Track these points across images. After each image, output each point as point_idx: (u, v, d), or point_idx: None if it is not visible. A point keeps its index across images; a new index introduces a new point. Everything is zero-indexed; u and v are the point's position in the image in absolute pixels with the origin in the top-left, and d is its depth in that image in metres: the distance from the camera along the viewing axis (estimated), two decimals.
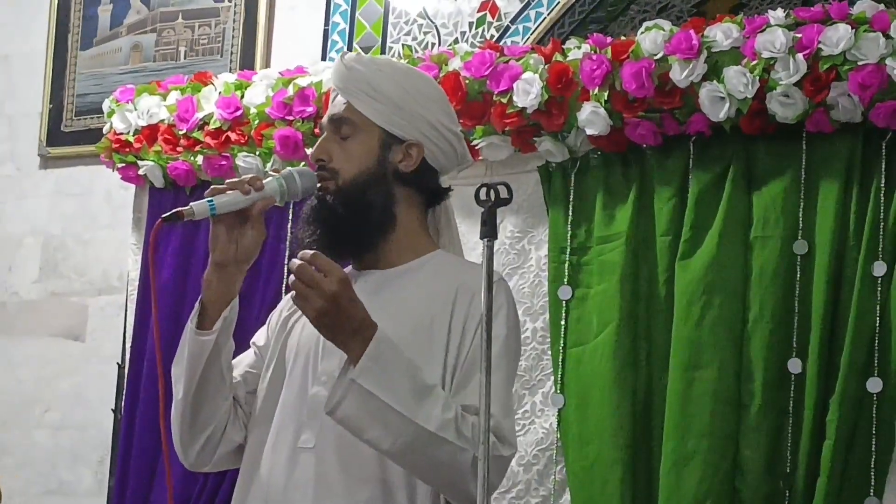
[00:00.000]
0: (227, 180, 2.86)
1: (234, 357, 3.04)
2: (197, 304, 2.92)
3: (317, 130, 3.62)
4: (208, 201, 2.80)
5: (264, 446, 2.96)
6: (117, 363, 4.54)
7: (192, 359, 2.92)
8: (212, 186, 2.87)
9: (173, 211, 2.78)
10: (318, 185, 2.95)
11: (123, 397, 4.47)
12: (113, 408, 4.54)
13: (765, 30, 3.53)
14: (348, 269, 3.04)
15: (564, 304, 3.75)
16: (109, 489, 4.50)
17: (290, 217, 4.00)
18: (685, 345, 3.57)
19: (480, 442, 2.63)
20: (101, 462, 4.73)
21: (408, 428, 2.77)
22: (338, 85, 3.02)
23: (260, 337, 3.10)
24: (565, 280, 3.76)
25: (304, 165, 3.13)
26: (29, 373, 5.05)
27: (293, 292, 3.02)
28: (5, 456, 4.81)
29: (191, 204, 2.81)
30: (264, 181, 2.87)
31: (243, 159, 4.24)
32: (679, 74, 3.58)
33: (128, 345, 4.51)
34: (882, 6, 3.48)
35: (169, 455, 2.94)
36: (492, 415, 2.70)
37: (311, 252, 2.80)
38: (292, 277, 2.78)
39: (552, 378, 3.79)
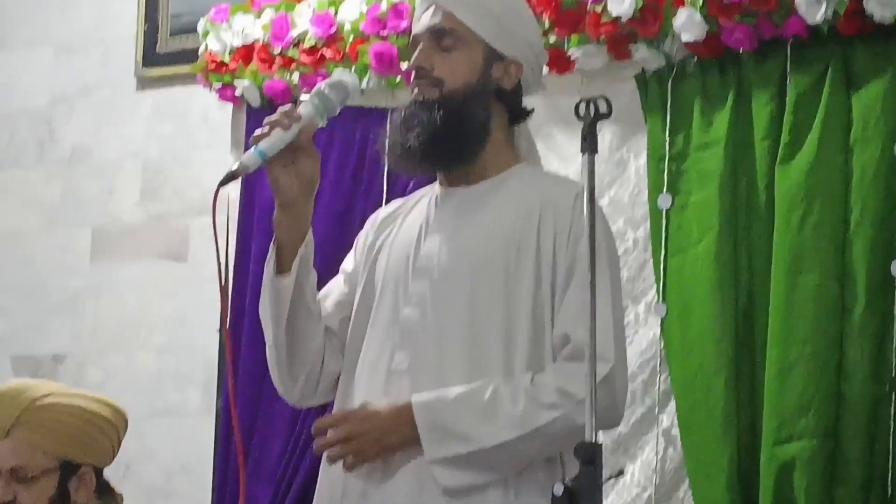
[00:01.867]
0: (266, 119, 2.92)
1: (325, 290, 3.12)
2: (271, 247, 2.98)
3: (413, 27, 3.73)
4: (256, 149, 2.87)
5: (357, 367, 3.03)
6: (221, 286, 4.62)
7: (276, 304, 2.98)
8: (253, 134, 2.92)
9: (227, 173, 2.83)
10: (416, 90, 3.00)
11: (230, 320, 4.47)
12: (218, 328, 4.65)
13: None
14: (434, 187, 3.13)
15: (664, 213, 3.79)
16: (217, 410, 4.61)
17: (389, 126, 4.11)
18: (786, 250, 3.60)
19: (567, 399, 2.76)
20: (208, 383, 4.81)
21: (508, 451, 2.82)
22: None
23: (348, 263, 3.17)
24: (665, 188, 3.80)
25: (342, 73, 3.20)
26: (132, 296, 5.12)
27: (382, 212, 3.20)
28: (112, 379, 4.93)
29: (240, 159, 2.88)
30: (299, 108, 2.93)
31: (339, 73, 4.13)
32: None
33: (231, 265, 4.58)
34: None
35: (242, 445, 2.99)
36: (572, 339, 2.83)
37: (314, 429, 2.94)
38: (327, 444, 2.89)
39: (654, 288, 3.85)
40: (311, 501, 3.72)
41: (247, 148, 4.42)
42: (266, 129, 2.90)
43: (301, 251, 2.97)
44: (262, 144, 2.87)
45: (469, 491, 2.87)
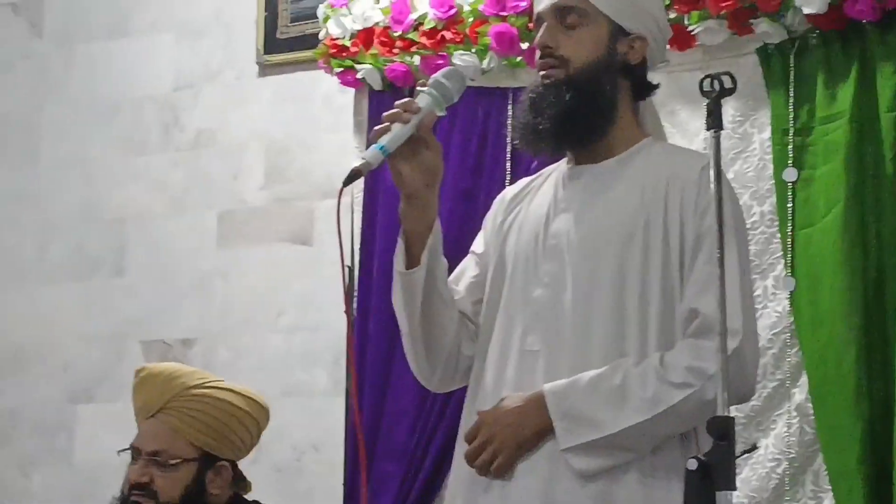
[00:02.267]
0: (383, 115, 2.89)
1: (454, 276, 3.13)
2: (399, 239, 2.99)
3: (531, 25, 3.69)
4: (377, 146, 2.85)
5: (489, 348, 3.04)
6: (347, 265, 4.60)
7: (409, 297, 2.99)
8: (374, 129, 2.90)
9: (350, 171, 2.81)
10: (543, 72, 2.99)
11: (355, 299, 4.61)
12: (347, 309, 4.69)
13: None
14: (561, 165, 3.13)
15: (790, 186, 3.79)
16: (346, 389, 4.66)
17: (510, 105, 4.11)
18: None
19: (698, 376, 2.77)
20: (336, 363, 4.86)
21: (640, 433, 2.83)
22: None
23: (478, 244, 3.17)
24: (790, 162, 3.81)
25: (452, 67, 3.15)
26: (260, 278, 5.17)
27: (510, 192, 3.21)
28: (241, 360, 5.00)
29: (362, 156, 2.87)
30: (416, 100, 2.90)
31: (459, 57, 4.32)
32: None
33: (356, 247, 4.64)
34: None
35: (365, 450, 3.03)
36: (701, 313, 2.81)
37: (465, 438, 2.95)
38: (472, 454, 2.90)
39: (782, 261, 3.84)
40: (443, 479, 3.78)
41: (369, 131, 4.52)
42: (386, 124, 2.90)
43: (429, 241, 2.97)
44: (383, 140, 2.87)
45: (604, 473, 2.89)
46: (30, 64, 5.71)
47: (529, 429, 2.89)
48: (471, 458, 2.95)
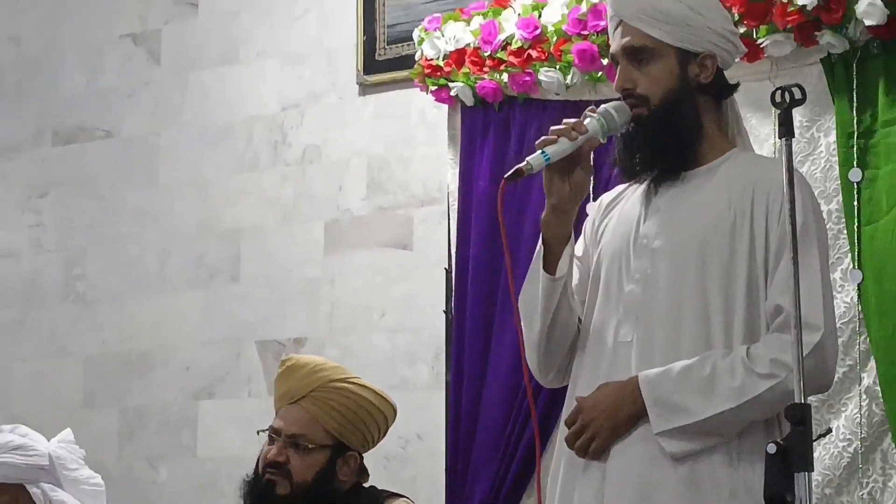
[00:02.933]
0: (552, 128, 2.92)
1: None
2: (539, 245, 3.02)
3: (610, 41, 3.73)
4: (542, 153, 2.89)
5: (588, 339, 3.05)
6: (444, 268, 4.67)
7: (546, 300, 3.01)
8: (542, 138, 2.93)
9: (514, 169, 2.88)
10: (632, 114, 2.98)
11: (452, 299, 4.60)
12: (444, 309, 4.67)
13: None
14: (650, 177, 3.09)
15: (856, 186, 3.77)
16: (446, 383, 4.63)
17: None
18: None
19: (781, 368, 2.78)
20: (437, 359, 4.84)
21: (727, 419, 2.85)
22: (622, 13, 3.03)
23: (578, 247, 3.16)
24: (855, 163, 3.79)
25: (615, 103, 3.10)
26: (364, 282, 5.18)
27: (606, 198, 3.21)
28: (349, 359, 4.93)
29: (527, 159, 2.90)
30: (585, 122, 2.94)
31: (545, 74, 4.34)
32: None
33: (452, 251, 4.64)
34: None
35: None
36: (785, 310, 2.82)
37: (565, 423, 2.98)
38: (572, 437, 2.94)
39: (849, 255, 3.82)
40: (535, 463, 3.76)
41: (462, 143, 4.60)
42: (553, 136, 2.92)
43: (568, 250, 3.01)
44: (549, 150, 2.90)
45: (694, 455, 2.90)
46: (149, 91, 5.77)
47: (625, 413, 2.91)
48: (570, 441, 2.98)
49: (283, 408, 3.70)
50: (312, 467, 3.61)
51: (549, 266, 3.02)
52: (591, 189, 3.87)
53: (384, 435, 3.74)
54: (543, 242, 3.02)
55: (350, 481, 3.68)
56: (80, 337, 5.75)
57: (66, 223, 5.87)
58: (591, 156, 3.02)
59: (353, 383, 3.69)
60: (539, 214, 3.06)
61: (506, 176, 2.91)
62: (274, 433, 3.66)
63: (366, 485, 3.73)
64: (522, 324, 3.09)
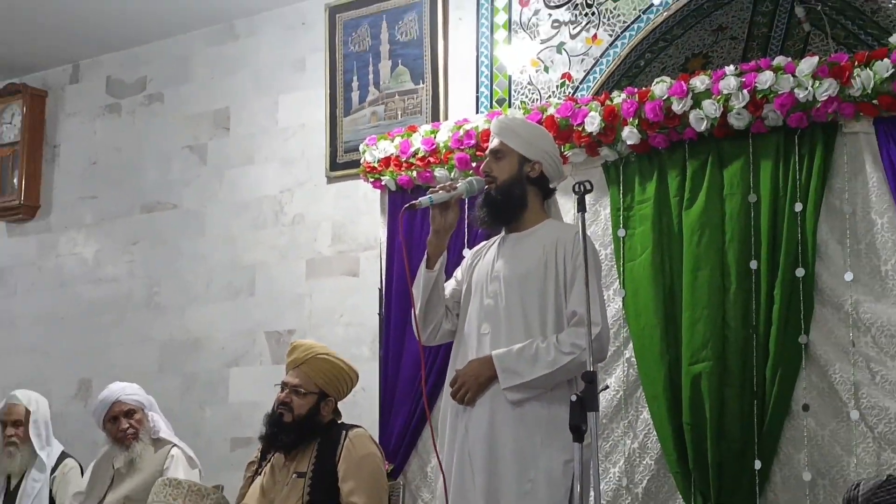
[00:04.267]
0: (437, 185, 2.97)
1: (445, 283, 3.14)
2: (424, 256, 3.07)
3: (479, 153, 3.66)
4: (428, 197, 2.94)
5: (463, 333, 3.08)
6: (378, 288, 4.51)
7: (425, 285, 3.06)
8: (429, 190, 2.98)
9: (409, 204, 2.93)
10: (486, 186, 3.05)
11: (383, 306, 4.42)
12: (378, 312, 4.52)
13: (724, 78, 3.50)
14: (502, 234, 3.10)
15: (622, 240, 3.73)
16: (380, 358, 4.43)
17: (466, 207, 3.99)
18: (690, 258, 3.54)
19: (575, 348, 2.82)
20: (374, 342, 4.71)
21: (544, 380, 2.88)
22: (495, 131, 3.08)
23: (458, 273, 3.19)
24: (621, 225, 3.75)
25: (474, 176, 3.19)
26: (330, 296, 5.03)
27: (475, 249, 3.17)
28: (322, 342, 4.55)
29: (419, 199, 2.98)
30: (457, 185, 3.02)
31: (438, 171, 4.25)
32: (677, 106, 3.56)
33: (383, 277, 4.45)
34: (790, 59, 3.43)
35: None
36: (578, 313, 2.83)
37: (454, 390, 2.94)
38: (454, 393, 2.93)
39: (617, 280, 3.75)
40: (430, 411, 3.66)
41: (390, 214, 4.42)
42: (437, 189, 3.00)
43: (441, 259, 3.04)
44: (433, 196, 2.96)
45: (524, 401, 2.90)
46: (199, 181, 5.65)
47: (485, 377, 2.92)
48: (453, 395, 2.98)
49: (290, 370, 3.70)
50: (306, 405, 3.63)
51: (430, 266, 3.03)
52: (463, 233, 3.92)
53: (350, 389, 3.74)
54: (427, 254, 3.04)
55: (328, 417, 3.69)
56: (156, 330, 5.63)
57: (148, 261, 5.75)
58: (458, 205, 3.05)
59: (332, 356, 3.71)
60: (425, 239, 3.09)
61: (405, 206, 2.94)
62: (284, 385, 3.68)
63: (339, 420, 3.72)
64: (414, 302, 3.06)
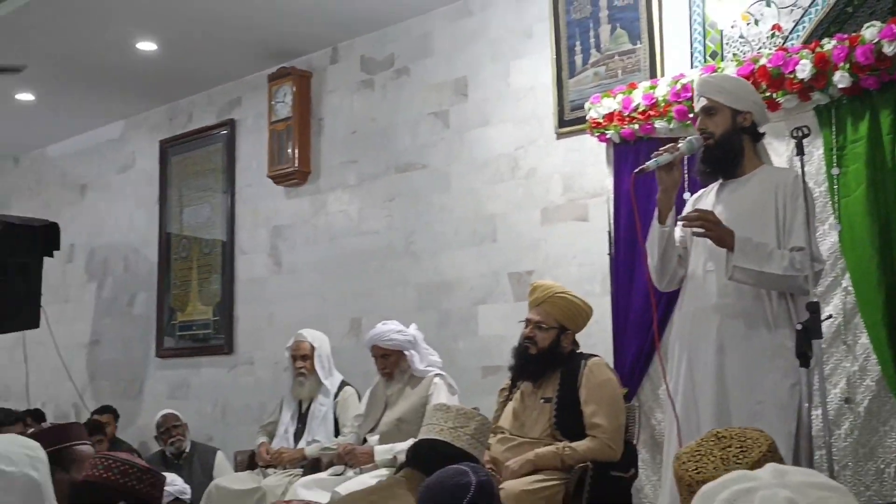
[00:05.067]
0: (662, 147, 2.95)
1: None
2: (655, 211, 3.11)
3: (694, 105, 3.50)
4: (654, 160, 2.96)
5: (689, 270, 3.16)
6: (608, 231, 4.55)
7: (660, 239, 3.09)
8: (655, 152, 2.98)
9: (637, 169, 2.98)
10: (704, 142, 3.06)
11: (612, 248, 4.49)
12: (608, 253, 4.57)
13: None
14: (718, 182, 3.11)
15: (835, 177, 3.69)
16: (611, 293, 4.46)
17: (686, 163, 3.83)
18: None
19: (803, 270, 2.77)
20: (605, 280, 4.62)
21: (770, 276, 2.83)
22: (701, 90, 3.10)
23: (678, 229, 3.21)
24: (835, 163, 3.71)
25: (695, 134, 3.14)
26: (566, 239, 5.03)
27: (695, 195, 3.15)
28: (558, 281, 4.36)
29: (646, 163, 3.00)
30: (679, 145, 3.00)
31: (658, 123, 4.31)
32: (888, 48, 3.53)
33: (611, 221, 4.53)
34: None
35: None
36: (803, 248, 2.85)
37: (696, 215, 2.86)
38: (694, 225, 2.80)
39: (833, 215, 3.69)
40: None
41: (614, 164, 4.51)
42: (661, 151, 3.00)
43: (671, 214, 3.08)
44: (659, 158, 2.98)
45: (751, 331, 2.88)
46: (444, 143, 5.70)
47: (724, 239, 2.87)
48: (692, 218, 2.88)
49: (533, 308, 3.80)
50: (548, 338, 3.70)
51: (662, 221, 3.07)
52: (684, 184, 3.74)
53: (587, 322, 3.78)
54: (658, 210, 3.07)
55: (568, 348, 3.79)
56: (413, 275, 5.75)
57: (403, 214, 5.87)
58: (683, 163, 3.01)
59: (568, 294, 3.76)
60: (654, 198, 3.09)
61: (634, 171, 2.97)
62: (528, 321, 3.78)
63: (578, 351, 3.78)
64: (648, 255, 3.11)
